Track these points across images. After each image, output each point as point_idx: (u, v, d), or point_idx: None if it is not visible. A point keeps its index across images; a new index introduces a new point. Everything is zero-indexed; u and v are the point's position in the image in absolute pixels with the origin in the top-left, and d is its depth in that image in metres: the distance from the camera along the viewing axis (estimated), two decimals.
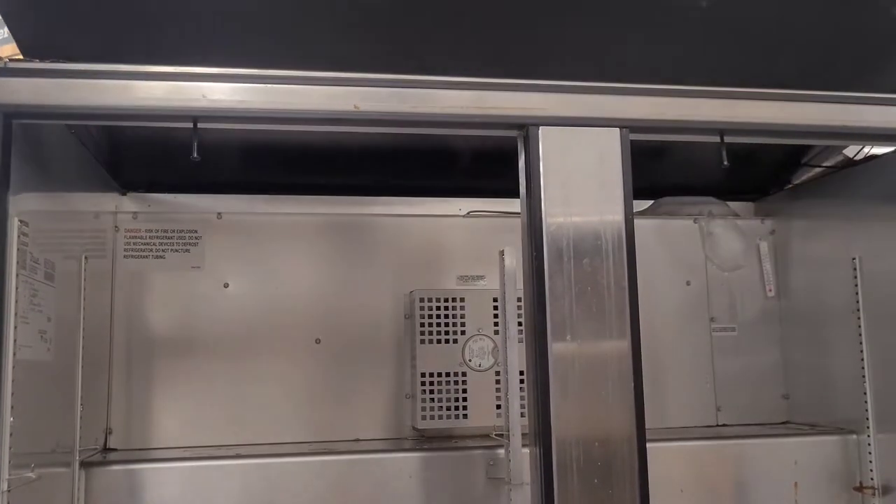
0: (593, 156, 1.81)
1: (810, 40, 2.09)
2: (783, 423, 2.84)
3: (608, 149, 1.81)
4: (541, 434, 1.74)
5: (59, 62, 1.63)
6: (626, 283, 1.78)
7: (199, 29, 1.89)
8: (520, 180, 1.86)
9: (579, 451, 1.73)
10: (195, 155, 1.69)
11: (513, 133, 1.84)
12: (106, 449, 2.42)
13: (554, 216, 1.78)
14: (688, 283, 2.89)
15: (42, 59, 1.63)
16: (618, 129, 1.81)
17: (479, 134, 1.85)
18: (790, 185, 2.97)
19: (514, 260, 2.08)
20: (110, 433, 2.44)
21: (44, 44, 1.73)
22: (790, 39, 2.07)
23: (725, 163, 1.89)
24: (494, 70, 1.80)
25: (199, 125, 1.70)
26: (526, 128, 1.80)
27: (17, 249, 1.64)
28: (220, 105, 1.69)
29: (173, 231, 2.56)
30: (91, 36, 1.71)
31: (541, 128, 1.79)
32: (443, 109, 1.77)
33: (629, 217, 1.80)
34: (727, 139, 1.90)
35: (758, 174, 2.98)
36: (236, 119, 1.74)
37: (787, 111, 1.88)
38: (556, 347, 1.75)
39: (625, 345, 1.77)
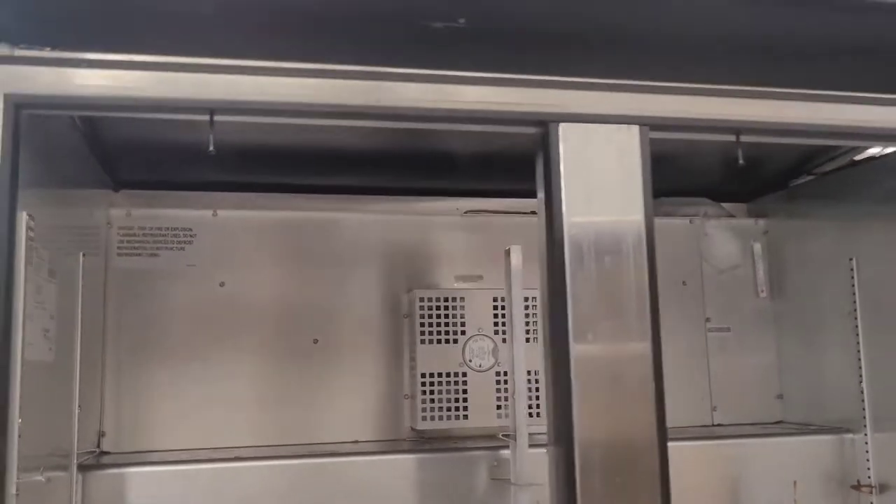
0: (613, 153, 1.79)
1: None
2: (777, 422, 2.86)
3: (628, 146, 1.80)
4: (562, 435, 1.72)
5: (70, 51, 1.58)
6: (647, 282, 1.76)
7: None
8: (537, 178, 1.83)
9: (601, 453, 1.71)
10: (212, 149, 1.64)
11: (531, 130, 1.82)
12: (100, 452, 2.35)
13: (574, 215, 1.76)
14: (683, 284, 2.90)
15: (53, 48, 1.56)
16: (637, 127, 1.80)
17: (500, 130, 1.82)
18: (783, 188, 2.99)
19: (520, 259, 2.07)
20: (103, 436, 2.37)
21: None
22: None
23: (741, 161, 1.89)
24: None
25: (216, 118, 1.65)
26: (546, 124, 1.77)
27: (26, 245, 1.58)
28: (240, 98, 1.65)
29: (167, 229, 2.50)
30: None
31: (561, 125, 1.76)
32: (464, 105, 1.74)
33: (649, 215, 1.78)
34: (743, 138, 1.90)
35: (754, 178, 2.99)
36: (257, 112, 1.69)
37: (804, 111, 1.89)
38: (577, 349, 1.72)
39: (646, 345, 1.75)
